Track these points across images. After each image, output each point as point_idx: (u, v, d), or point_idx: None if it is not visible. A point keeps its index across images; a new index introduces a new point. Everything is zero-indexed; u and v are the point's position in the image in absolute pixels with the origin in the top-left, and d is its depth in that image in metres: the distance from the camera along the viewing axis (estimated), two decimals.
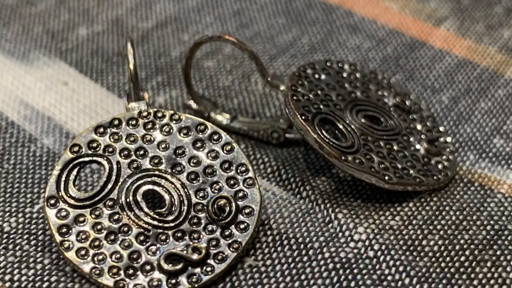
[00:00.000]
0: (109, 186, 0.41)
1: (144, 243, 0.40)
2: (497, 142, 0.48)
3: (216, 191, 0.41)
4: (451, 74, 0.54)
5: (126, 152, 0.42)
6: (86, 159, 0.41)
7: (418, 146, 0.46)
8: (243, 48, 0.46)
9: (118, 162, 0.41)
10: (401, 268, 0.40)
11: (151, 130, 0.42)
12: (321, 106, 0.44)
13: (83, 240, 0.39)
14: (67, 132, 0.49)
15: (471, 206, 0.44)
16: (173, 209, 0.40)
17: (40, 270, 0.40)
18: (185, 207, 0.41)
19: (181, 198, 0.41)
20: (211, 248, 0.40)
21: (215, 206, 0.40)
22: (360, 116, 0.45)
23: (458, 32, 0.58)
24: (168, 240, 0.40)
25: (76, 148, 0.41)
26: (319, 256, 0.40)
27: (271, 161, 0.47)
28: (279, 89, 0.46)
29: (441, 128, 0.48)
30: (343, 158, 0.42)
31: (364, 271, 0.40)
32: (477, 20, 0.59)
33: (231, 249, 0.40)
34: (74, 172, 0.41)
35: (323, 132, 0.43)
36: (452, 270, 0.40)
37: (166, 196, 0.41)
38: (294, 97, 0.44)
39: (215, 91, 0.53)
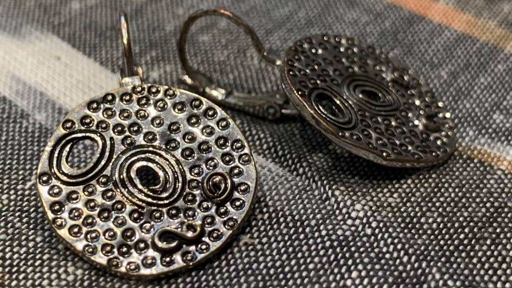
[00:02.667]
0: (103, 162, 0.40)
1: (138, 221, 0.39)
2: (496, 117, 0.48)
3: (211, 168, 0.41)
4: (450, 48, 0.53)
5: (119, 128, 0.41)
6: (79, 135, 0.41)
7: (416, 122, 0.45)
8: (238, 22, 0.46)
9: (111, 138, 0.41)
10: (399, 246, 0.39)
11: (145, 106, 0.42)
12: (318, 81, 0.44)
13: (76, 218, 0.39)
14: (59, 108, 0.48)
15: (471, 183, 0.43)
16: (168, 186, 0.40)
17: (32, 248, 0.40)
18: (180, 184, 0.40)
19: (176, 175, 0.40)
20: (206, 225, 0.39)
21: (210, 183, 0.40)
22: (357, 92, 0.45)
23: (457, 6, 0.57)
24: (162, 218, 0.39)
25: (68, 124, 0.41)
26: (316, 234, 0.40)
27: (267, 137, 0.46)
28: (275, 64, 0.46)
29: (440, 104, 0.48)
30: (340, 134, 0.41)
31: (361, 249, 0.39)
32: None
33: (226, 226, 0.39)
34: (67, 149, 0.41)
35: (320, 107, 0.42)
36: (451, 247, 0.39)
37: (161, 173, 0.40)
38: (291, 72, 0.43)
39: (210, 66, 0.52)
